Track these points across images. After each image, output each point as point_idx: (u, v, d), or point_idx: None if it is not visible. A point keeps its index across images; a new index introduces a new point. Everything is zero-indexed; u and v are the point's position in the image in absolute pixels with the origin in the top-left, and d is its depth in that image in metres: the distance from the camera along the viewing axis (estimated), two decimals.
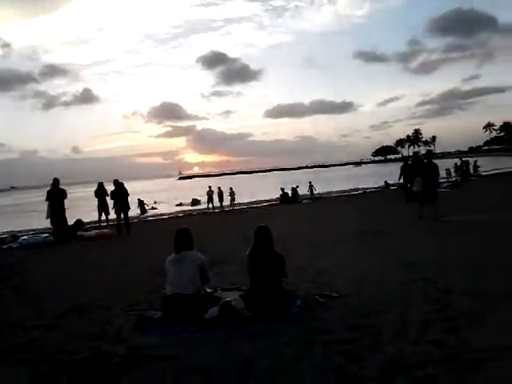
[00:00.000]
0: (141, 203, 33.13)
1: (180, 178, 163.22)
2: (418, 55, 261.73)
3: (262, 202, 28.98)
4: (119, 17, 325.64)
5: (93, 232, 13.53)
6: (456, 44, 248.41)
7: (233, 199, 29.55)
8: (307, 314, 4.61)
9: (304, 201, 24.23)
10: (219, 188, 29.20)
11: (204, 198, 29.90)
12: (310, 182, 30.96)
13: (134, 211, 32.19)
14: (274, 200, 27.04)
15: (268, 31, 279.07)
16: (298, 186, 29.29)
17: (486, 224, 9.68)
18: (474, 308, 4.31)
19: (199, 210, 30.65)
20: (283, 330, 4.21)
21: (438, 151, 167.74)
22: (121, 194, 13.77)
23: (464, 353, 3.30)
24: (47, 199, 12.80)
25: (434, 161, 11.37)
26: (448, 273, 5.78)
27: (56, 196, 12.81)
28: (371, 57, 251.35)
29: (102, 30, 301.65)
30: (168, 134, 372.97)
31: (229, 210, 27.22)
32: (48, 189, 13.04)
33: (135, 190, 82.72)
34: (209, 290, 5.49)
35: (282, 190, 23.08)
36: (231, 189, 29.69)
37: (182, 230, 5.08)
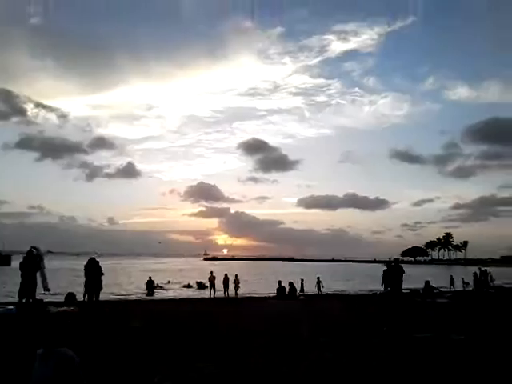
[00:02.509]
0: (149, 283, 32.80)
1: (205, 259, 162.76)
2: (454, 159, 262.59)
3: (264, 293, 28.38)
4: (168, 99, 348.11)
5: (57, 309, 13.17)
6: (492, 152, 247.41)
7: (237, 287, 29.15)
8: None
9: (301, 297, 23.50)
10: (225, 274, 29.09)
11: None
12: (318, 278, 30.25)
13: (141, 290, 32.53)
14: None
15: (309, 124, 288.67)
16: (303, 280, 28.49)
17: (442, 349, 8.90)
18: None
19: (201, 294, 30.46)
20: None
21: (469, 257, 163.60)
22: (94, 271, 13.49)
23: None
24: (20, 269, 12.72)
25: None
26: None
27: (27, 268, 12.71)
28: (407, 157, 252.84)
29: (151, 109, 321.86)
30: (202, 214, 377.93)
31: (230, 298, 26.83)
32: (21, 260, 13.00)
33: (159, 267, 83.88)
34: None
35: (279, 283, 22.14)
36: (236, 276, 29.41)
37: (52, 320, 4.80)
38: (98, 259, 13.47)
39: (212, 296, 28.04)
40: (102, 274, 13.62)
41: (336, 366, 7.08)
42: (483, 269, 34.99)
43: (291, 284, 22.36)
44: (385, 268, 12.72)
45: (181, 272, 66.19)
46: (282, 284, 21.66)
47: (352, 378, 6.39)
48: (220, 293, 28.43)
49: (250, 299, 23.29)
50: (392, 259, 17.93)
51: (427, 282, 26.06)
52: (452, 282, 35.20)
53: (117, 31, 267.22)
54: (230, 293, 28.56)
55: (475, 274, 34.16)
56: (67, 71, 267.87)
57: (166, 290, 35.82)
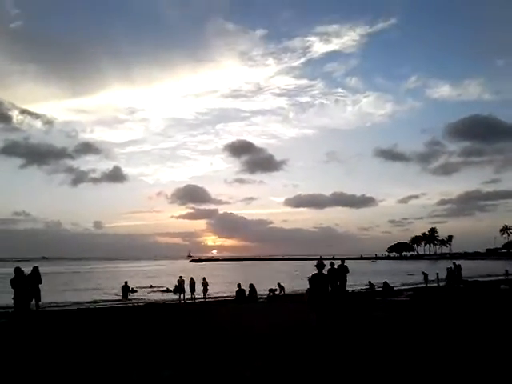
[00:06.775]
0: (124, 288, 32.84)
1: (191, 261, 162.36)
2: (438, 156, 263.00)
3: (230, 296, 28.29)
4: (151, 102, 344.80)
5: None
6: (475, 148, 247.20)
7: (205, 290, 28.86)
8: None
9: (260, 300, 23.44)
10: (191, 278, 28.81)
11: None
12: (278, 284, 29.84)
13: (117, 294, 32.53)
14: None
15: (292, 124, 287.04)
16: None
17: None
18: None
19: (172, 299, 30.15)
20: None
21: (455, 251, 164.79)
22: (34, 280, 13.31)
23: None
24: None
25: None
26: None
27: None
28: (391, 155, 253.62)
29: (135, 112, 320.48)
30: (190, 216, 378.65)
31: (196, 302, 26.55)
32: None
33: (143, 269, 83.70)
34: None
35: (239, 286, 21.93)
36: (204, 279, 29.12)
37: None
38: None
39: (182, 300, 27.73)
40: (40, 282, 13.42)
41: None
42: (457, 263, 35.28)
43: (251, 286, 22.36)
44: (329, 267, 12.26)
45: (164, 275, 65.62)
46: (242, 287, 21.62)
47: None
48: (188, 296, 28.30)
49: (208, 304, 23.15)
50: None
51: (385, 283, 26.48)
52: (426, 279, 36.21)
53: (99, 35, 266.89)
54: (197, 296, 28.39)
55: (449, 268, 34.50)
56: (50, 76, 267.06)
57: (141, 294, 35.79)
